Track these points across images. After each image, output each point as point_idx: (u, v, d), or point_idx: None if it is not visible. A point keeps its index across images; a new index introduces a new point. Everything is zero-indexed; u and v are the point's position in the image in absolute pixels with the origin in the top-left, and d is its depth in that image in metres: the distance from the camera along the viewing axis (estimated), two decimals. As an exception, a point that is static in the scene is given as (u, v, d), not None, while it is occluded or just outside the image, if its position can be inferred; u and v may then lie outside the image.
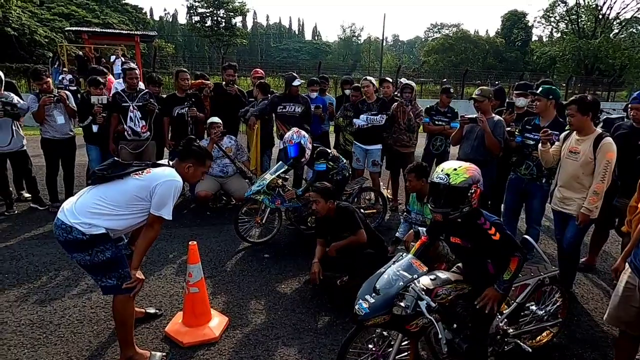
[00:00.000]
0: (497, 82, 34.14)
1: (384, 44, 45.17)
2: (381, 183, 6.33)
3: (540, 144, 3.62)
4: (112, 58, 16.18)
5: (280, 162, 4.97)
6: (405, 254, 2.61)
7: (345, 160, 5.15)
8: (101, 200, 2.52)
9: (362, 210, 4.97)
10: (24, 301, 3.38)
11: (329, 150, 4.91)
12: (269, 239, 4.70)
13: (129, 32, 18.08)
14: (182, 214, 5.48)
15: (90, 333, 3.02)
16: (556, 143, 3.62)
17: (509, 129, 4.33)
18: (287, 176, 4.84)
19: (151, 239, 2.64)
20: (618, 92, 33.23)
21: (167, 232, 4.82)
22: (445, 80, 5.35)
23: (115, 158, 2.68)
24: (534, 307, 3.00)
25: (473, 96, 4.27)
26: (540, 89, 3.92)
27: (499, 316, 2.77)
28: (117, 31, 18.78)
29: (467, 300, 2.57)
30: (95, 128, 5.15)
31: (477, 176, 2.38)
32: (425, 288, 2.40)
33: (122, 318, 2.64)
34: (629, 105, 3.83)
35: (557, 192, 3.63)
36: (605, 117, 17.43)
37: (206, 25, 40.26)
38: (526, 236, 3.46)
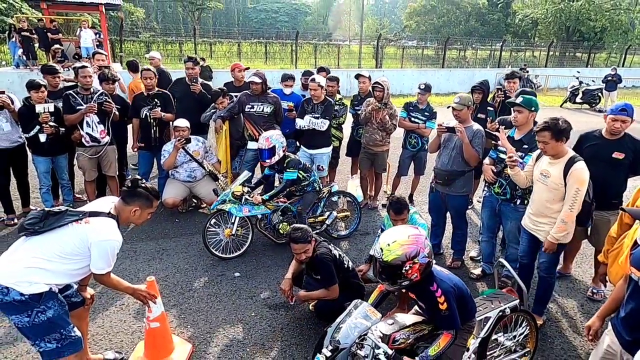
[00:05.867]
0: (477, 47, 33.76)
1: (365, 3, 43.47)
2: (357, 179, 6.16)
3: (509, 169, 3.44)
4: (78, 31, 15.13)
5: (246, 170, 4.78)
6: (360, 302, 2.58)
7: (320, 170, 4.94)
8: (38, 254, 2.30)
9: (335, 214, 4.83)
10: (-29, 348, 3.15)
11: (302, 162, 4.67)
12: (241, 254, 4.51)
13: (92, 1, 16.76)
14: (149, 223, 5.19)
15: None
16: (529, 163, 3.43)
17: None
18: (252, 184, 4.63)
19: (112, 287, 2.63)
20: (598, 54, 33.24)
21: (131, 248, 4.59)
22: (424, 84, 4.92)
23: (46, 208, 2.41)
24: (501, 338, 2.95)
25: (451, 105, 4.03)
26: (521, 98, 3.67)
27: (466, 352, 2.71)
28: (80, 0, 17.42)
29: (428, 341, 2.52)
30: (43, 138, 4.67)
31: (415, 251, 2.24)
32: (382, 335, 2.38)
33: None
34: (611, 116, 3.60)
35: (527, 213, 3.48)
36: (584, 88, 17.41)
37: (178, -13, 38.05)
38: (502, 260, 3.37)
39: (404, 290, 2.55)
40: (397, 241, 2.26)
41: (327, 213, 4.87)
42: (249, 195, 4.43)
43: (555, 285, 4.13)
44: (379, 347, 2.26)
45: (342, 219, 5.14)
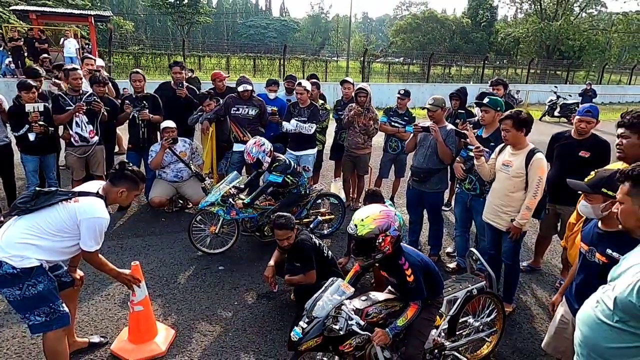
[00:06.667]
0: (461, 64, 34.68)
1: (353, 21, 44.51)
2: (340, 182, 6.35)
3: (475, 160, 3.68)
4: (62, 40, 15.26)
5: (236, 172, 4.90)
6: (336, 279, 2.69)
7: (306, 177, 5.08)
8: (30, 230, 2.43)
9: (320, 217, 4.96)
10: (-43, 333, 3.21)
11: (292, 164, 4.80)
12: (225, 250, 4.62)
13: (81, 12, 16.95)
14: (136, 222, 5.31)
15: (30, 368, 2.92)
16: (492, 156, 3.68)
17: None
18: (241, 186, 4.75)
19: (99, 268, 2.72)
20: (576, 72, 34.41)
21: (117, 244, 4.69)
22: (403, 89, 5.19)
23: (37, 188, 2.56)
24: (470, 320, 3.13)
25: (426, 106, 4.27)
26: (487, 99, 3.94)
27: (435, 330, 2.88)
28: (69, 11, 17.57)
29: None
30: (32, 137, 4.78)
31: (386, 224, 2.42)
32: (355, 308, 2.54)
33: (55, 356, 2.58)
34: (578, 117, 3.89)
35: (488, 204, 3.69)
36: (562, 102, 18.03)
37: (168, 1, 38.39)
38: (473, 249, 3.56)
39: (377, 265, 2.70)
40: (370, 216, 2.43)
41: (313, 217, 4.99)
42: (233, 199, 4.54)
43: (526, 278, 4.39)
44: (352, 319, 2.42)
45: (326, 222, 5.28)
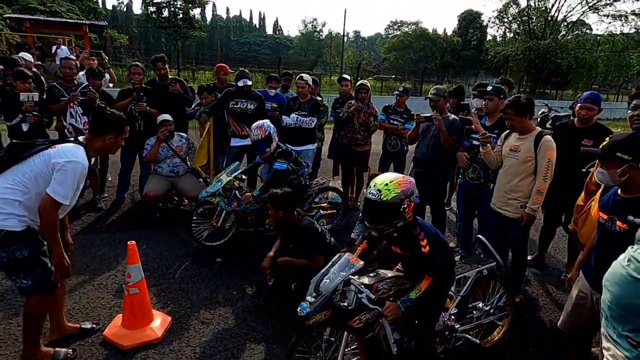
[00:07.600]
0: (453, 80, 35.23)
1: (345, 39, 45.15)
2: (338, 181, 6.26)
3: (481, 147, 3.62)
4: (54, 48, 15.17)
5: (237, 162, 4.79)
6: (342, 254, 2.56)
7: (306, 167, 4.98)
8: (9, 184, 2.29)
9: (322, 212, 4.85)
10: (-61, 320, 3.02)
11: (293, 154, 4.70)
12: (224, 242, 4.48)
13: (76, 21, 16.95)
14: (130, 217, 5.16)
15: (16, 354, 2.73)
16: (498, 143, 3.63)
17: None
18: (244, 177, 4.63)
19: (49, 226, 2.30)
20: (565, 90, 35.07)
21: (110, 237, 4.53)
22: (402, 86, 5.33)
23: (13, 140, 2.45)
24: (480, 305, 3.03)
25: (429, 95, 4.23)
26: (490, 87, 3.92)
27: (444, 313, 2.78)
28: (64, 20, 17.58)
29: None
30: (25, 127, 4.56)
31: (410, 189, 2.33)
32: (364, 284, 2.42)
33: (33, 318, 2.48)
34: (579, 104, 3.86)
35: (496, 191, 3.61)
36: (553, 114, 18.20)
37: (162, 16, 38.63)
38: (480, 236, 3.47)
39: (388, 239, 2.59)
40: (394, 180, 2.31)
41: (315, 211, 4.88)
42: (240, 192, 4.41)
43: (530, 271, 4.30)
44: (362, 292, 2.31)
45: (328, 216, 5.16)
